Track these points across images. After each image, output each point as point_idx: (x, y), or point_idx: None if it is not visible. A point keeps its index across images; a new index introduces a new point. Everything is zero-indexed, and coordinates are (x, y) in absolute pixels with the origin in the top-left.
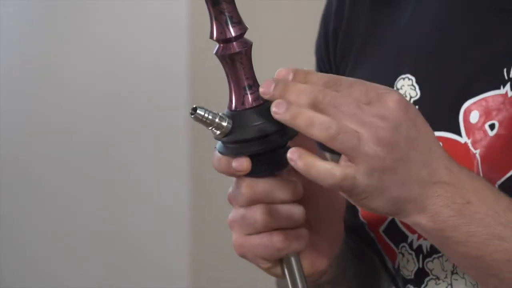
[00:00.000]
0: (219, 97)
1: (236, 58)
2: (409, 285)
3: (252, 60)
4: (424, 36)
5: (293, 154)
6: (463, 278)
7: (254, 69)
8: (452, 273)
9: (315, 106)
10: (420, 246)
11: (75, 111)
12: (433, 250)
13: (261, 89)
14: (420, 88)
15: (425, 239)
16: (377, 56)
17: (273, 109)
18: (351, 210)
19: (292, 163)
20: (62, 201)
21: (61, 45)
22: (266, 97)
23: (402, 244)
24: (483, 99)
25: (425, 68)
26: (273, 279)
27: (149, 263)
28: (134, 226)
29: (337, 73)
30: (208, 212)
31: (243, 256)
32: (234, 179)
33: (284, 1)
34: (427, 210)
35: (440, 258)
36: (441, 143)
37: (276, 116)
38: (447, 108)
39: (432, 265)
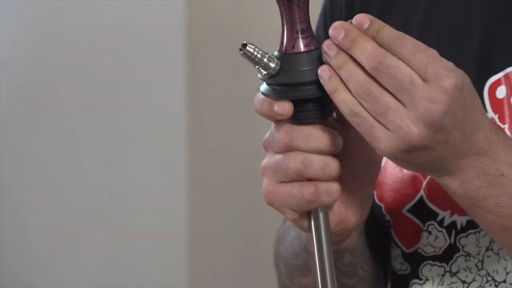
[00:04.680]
0: (218, 91)
1: None
2: (429, 262)
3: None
4: (446, 13)
5: (324, 73)
6: (497, 254)
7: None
8: (487, 249)
9: (375, 69)
10: (454, 223)
11: (75, 111)
12: (468, 226)
13: (331, 31)
14: None
15: (459, 214)
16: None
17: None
18: None
19: (321, 80)
20: (60, 199)
21: (58, 42)
22: (333, 42)
23: (429, 222)
24: (509, 73)
25: (446, 45)
26: (272, 279)
27: (148, 262)
28: (134, 226)
29: None
30: (207, 212)
31: (270, 204)
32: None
33: None
34: (458, 178)
35: (477, 234)
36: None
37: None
38: None
39: (466, 240)
